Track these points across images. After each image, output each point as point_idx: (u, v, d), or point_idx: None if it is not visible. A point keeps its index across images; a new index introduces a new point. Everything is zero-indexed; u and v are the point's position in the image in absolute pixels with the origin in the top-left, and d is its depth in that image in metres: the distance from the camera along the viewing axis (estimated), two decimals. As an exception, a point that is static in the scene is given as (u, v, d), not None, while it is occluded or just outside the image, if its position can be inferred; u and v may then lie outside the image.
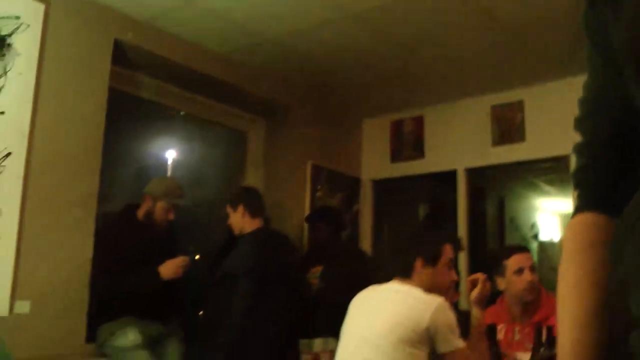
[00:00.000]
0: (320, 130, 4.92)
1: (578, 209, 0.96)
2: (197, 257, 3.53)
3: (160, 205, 3.45)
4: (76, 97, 3.28)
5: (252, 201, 3.71)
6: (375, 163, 5.31)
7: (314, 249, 4.34)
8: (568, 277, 0.91)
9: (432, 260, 2.37)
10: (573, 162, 0.99)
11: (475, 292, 2.44)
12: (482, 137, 4.67)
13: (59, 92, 3.20)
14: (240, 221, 3.63)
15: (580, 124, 0.97)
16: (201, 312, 3.83)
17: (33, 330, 2.92)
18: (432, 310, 2.11)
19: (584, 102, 0.96)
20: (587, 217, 0.94)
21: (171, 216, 3.49)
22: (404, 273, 2.32)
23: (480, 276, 2.53)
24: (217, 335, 3.36)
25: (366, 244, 5.22)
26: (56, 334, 3.03)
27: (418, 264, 2.34)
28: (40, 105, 3.08)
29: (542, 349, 2.25)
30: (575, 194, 0.98)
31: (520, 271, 2.84)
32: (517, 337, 2.85)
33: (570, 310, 0.88)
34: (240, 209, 3.63)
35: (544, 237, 7.61)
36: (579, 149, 0.97)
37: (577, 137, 0.98)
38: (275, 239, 3.80)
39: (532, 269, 2.87)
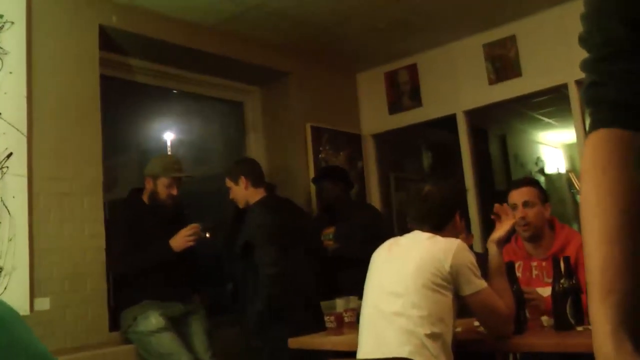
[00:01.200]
0: (316, 92, 4.88)
1: (596, 126, 0.90)
2: (207, 234, 3.53)
3: (161, 183, 3.44)
4: (69, 89, 3.26)
5: (252, 171, 3.71)
6: (374, 117, 5.27)
7: (324, 211, 4.35)
8: (591, 197, 0.86)
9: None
10: (583, 82, 0.92)
11: (500, 232, 2.40)
12: (478, 77, 4.62)
13: (52, 86, 3.18)
14: (244, 193, 3.64)
15: (586, 39, 0.92)
16: (230, 286, 3.88)
17: (56, 326, 2.96)
18: (453, 252, 2.11)
19: (587, 16, 0.92)
20: (608, 133, 0.88)
21: (174, 191, 3.47)
22: (438, 227, 2.30)
23: (508, 212, 2.49)
24: (252, 306, 3.42)
25: (375, 198, 5.23)
26: (79, 326, 3.07)
27: (457, 218, 2.37)
28: (34, 101, 3.06)
29: (562, 280, 2.26)
30: (589, 111, 0.92)
31: (514, 208, 2.80)
32: (535, 272, 2.85)
33: (597, 229, 0.83)
34: (242, 180, 3.63)
35: (549, 170, 7.62)
36: (589, 64, 0.92)
37: (578, 59, 0.94)
38: (284, 204, 3.82)
39: (526, 204, 2.82)
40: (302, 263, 3.57)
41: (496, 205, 2.49)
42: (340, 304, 3.00)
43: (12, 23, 3.02)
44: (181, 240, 3.33)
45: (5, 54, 2.98)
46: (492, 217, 2.51)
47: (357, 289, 2.99)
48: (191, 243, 3.34)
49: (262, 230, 3.45)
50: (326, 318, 2.93)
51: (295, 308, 3.45)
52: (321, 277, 3.71)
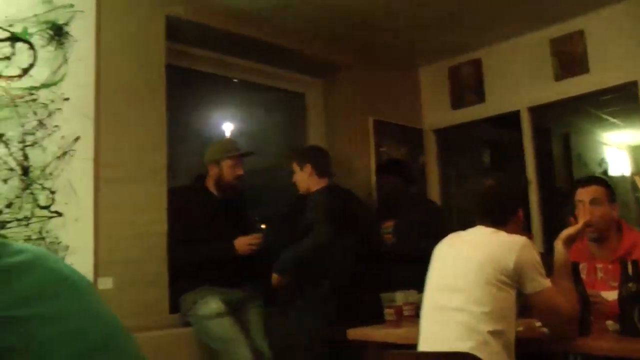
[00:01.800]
0: (378, 86, 4.85)
1: None
2: (262, 226, 3.56)
3: (225, 165, 3.48)
4: (135, 76, 3.34)
5: (321, 162, 3.72)
6: (436, 112, 5.20)
7: (384, 204, 4.33)
8: None
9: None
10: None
11: (571, 230, 2.34)
12: (543, 73, 4.50)
13: (119, 74, 3.26)
14: (307, 180, 3.66)
15: None
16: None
17: (117, 305, 2.96)
18: (517, 249, 2.06)
19: None
20: None
21: (240, 170, 3.50)
22: (501, 222, 2.26)
23: (586, 212, 2.44)
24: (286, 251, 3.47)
25: (435, 194, 5.17)
26: (140, 307, 3.13)
27: (520, 214, 2.33)
28: (102, 88, 3.15)
29: (629, 285, 2.17)
30: None
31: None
32: (600, 275, 2.75)
33: None
34: (308, 168, 3.65)
35: (613, 172, 7.37)
36: None
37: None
38: (345, 193, 3.83)
39: (594, 202, 2.70)
40: (349, 252, 3.56)
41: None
42: (400, 297, 2.99)
43: (82, 12, 3.11)
44: (244, 246, 3.36)
45: (75, 41, 3.06)
46: (571, 218, 2.45)
47: (409, 283, 2.98)
48: (252, 251, 3.37)
49: (321, 208, 3.48)
50: (386, 310, 2.93)
51: (318, 287, 3.46)
52: (373, 269, 3.70)
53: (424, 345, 2.15)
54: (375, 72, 4.86)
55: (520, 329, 2.26)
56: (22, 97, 2.86)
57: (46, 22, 2.97)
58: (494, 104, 4.83)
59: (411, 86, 5.25)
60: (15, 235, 2.76)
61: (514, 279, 2.05)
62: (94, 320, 0.93)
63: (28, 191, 2.85)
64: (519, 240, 2.11)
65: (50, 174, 2.90)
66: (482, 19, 4.30)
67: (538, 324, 2.29)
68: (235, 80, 4.43)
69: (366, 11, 4.03)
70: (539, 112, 4.73)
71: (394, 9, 4.04)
